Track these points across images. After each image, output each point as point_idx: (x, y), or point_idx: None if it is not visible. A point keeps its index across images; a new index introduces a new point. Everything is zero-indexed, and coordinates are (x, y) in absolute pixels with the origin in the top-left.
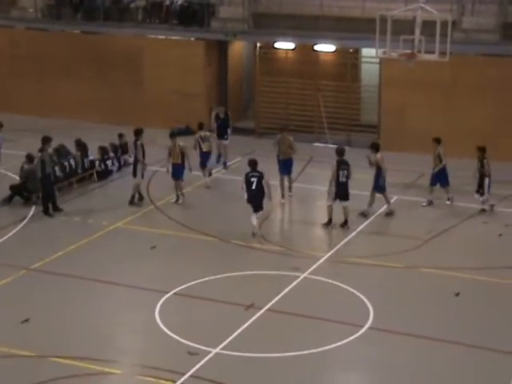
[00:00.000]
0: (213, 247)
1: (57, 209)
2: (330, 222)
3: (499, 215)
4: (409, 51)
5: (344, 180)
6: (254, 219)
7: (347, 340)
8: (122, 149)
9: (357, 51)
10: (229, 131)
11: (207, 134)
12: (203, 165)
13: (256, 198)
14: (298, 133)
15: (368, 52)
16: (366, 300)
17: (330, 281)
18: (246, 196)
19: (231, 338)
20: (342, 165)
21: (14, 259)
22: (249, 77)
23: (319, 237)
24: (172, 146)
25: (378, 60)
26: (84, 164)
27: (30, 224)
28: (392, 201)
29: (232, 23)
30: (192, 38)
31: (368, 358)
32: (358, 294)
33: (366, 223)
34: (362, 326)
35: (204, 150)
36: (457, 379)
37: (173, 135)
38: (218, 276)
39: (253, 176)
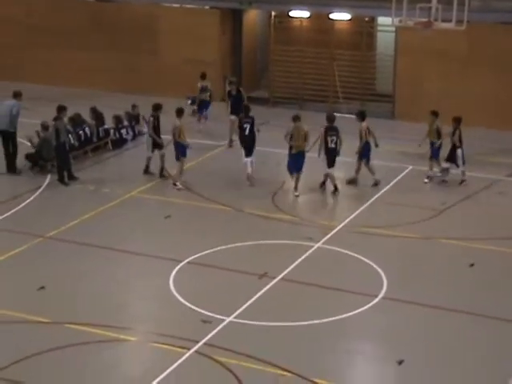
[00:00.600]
0: (227, 217)
1: (72, 177)
2: (335, 188)
3: None
4: (425, 19)
5: (333, 146)
6: (248, 164)
7: (361, 309)
8: (135, 119)
9: (372, 20)
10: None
11: (208, 84)
12: (201, 112)
13: (248, 143)
14: (312, 102)
15: (384, 20)
16: (379, 270)
17: (343, 251)
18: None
19: (244, 306)
20: (331, 131)
21: (30, 227)
22: (263, 46)
23: (333, 207)
24: (179, 125)
25: (393, 28)
26: (99, 133)
27: (46, 192)
28: (407, 171)
29: None
30: (207, 7)
31: (381, 327)
32: (372, 263)
33: (379, 193)
34: (376, 296)
35: (203, 98)
36: (469, 348)
37: (180, 112)
38: (232, 245)
39: (246, 122)
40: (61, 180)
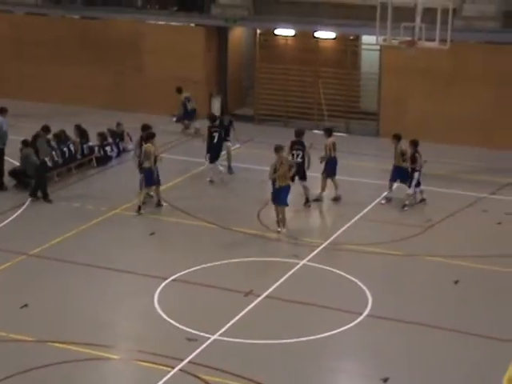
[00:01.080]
0: (212, 234)
1: (46, 199)
2: (307, 200)
3: (499, 203)
4: (409, 38)
5: (299, 160)
6: (218, 166)
7: (346, 327)
8: (119, 136)
9: (357, 38)
10: (231, 135)
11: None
12: (189, 120)
13: (215, 151)
14: (297, 120)
15: (368, 39)
16: (364, 287)
17: (329, 268)
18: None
19: (230, 324)
20: (296, 145)
21: (13, 244)
22: (249, 63)
23: (318, 224)
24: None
25: (378, 47)
26: (83, 150)
27: (29, 209)
28: (392, 189)
29: (232, 9)
30: (192, 24)
31: (366, 345)
32: (357, 281)
33: (364, 211)
34: (361, 314)
35: (189, 108)
36: (453, 365)
37: (150, 137)
38: (217, 263)
39: (215, 131)
40: (33, 194)
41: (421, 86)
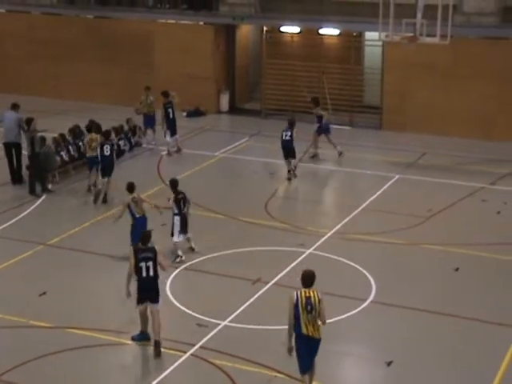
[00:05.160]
0: (221, 224)
1: (46, 189)
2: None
3: (498, 193)
4: (411, 34)
5: (288, 138)
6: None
7: (351, 313)
8: (131, 131)
9: (360, 35)
10: None
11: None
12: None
13: (174, 124)
14: (303, 114)
15: (371, 35)
16: (368, 275)
17: (334, 257)
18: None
19: (239, 311)
20: (286, 127)
21: (32, 235)
22: (256, 60)
23: (324, 214)
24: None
25: (380, 43)
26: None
27: (47, 201)
28: (394, 179)
29: (239, 8)
30: (201, 23)
31: (371, 330)
32: (361, 269)
33: (368, 201)
34: (365, 300)
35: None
36: (456, 351)
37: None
38: (226, 252)
39: (169, 107)
40: (31, 192)
41: (422, 80)
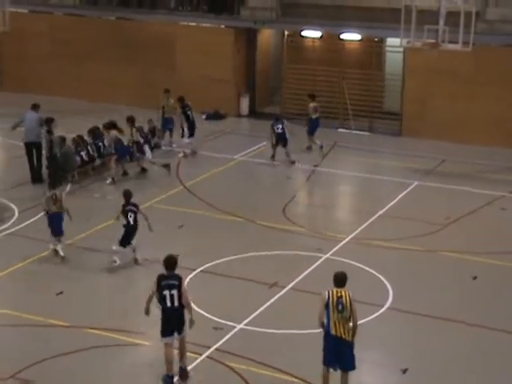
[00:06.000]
0: (239, 227)
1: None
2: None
3: None
4: (432, 41)
5: (280, 131)
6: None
7: (367, 319)
8: (151, 132)
9: (381, 40)
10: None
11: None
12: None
13: (193, 127)
14: (322, 119)
15: (392, 41)
16: (385, 281)
17: (351, 262)
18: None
19: (255, 314)
20: (277, 122)
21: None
22: (276, 64)
23: (342, 219)
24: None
25: (402, 49)
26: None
27: (66, 201)
28: (412, 186)
29: (261, 12)
30: (222, 26)
31: (387, 336)
32: (379, 275)
33: (386, 208)
34: (382, 306)
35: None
36: (472, 360)
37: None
38: (244, 255)
39: (189, 109)
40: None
41: (443, 87)
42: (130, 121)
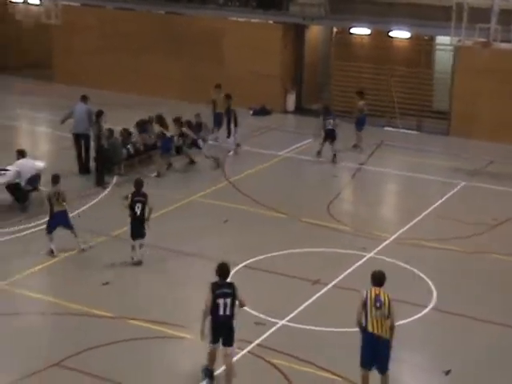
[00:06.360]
0: (283, 224)
1: (102, 182)
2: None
3: None
4: (484, 39)
5: (330, 127)
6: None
7: (410, 319)
8: (198, 127)
9: (431, 38)
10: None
11: None
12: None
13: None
14: (369, 117)
15: (442, 39)
16: (429, 282)
17: (395, 261)
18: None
19: (297, 311)
20: (328, 115)
21: (97, 225)
22: (324, 60)
23: (386, 218)
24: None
25: (452, 47)
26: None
27: (112, 193)
28: (459, 186)
29: (309, 8)
30: (270, 21)
31: (430, 337)
32: (423, 275)
33: (432, 207)
34: (425, 307)
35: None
36: None
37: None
38: (287, 251)
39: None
40: (99, 183)
41: (493, 86)
42: (177, 121)
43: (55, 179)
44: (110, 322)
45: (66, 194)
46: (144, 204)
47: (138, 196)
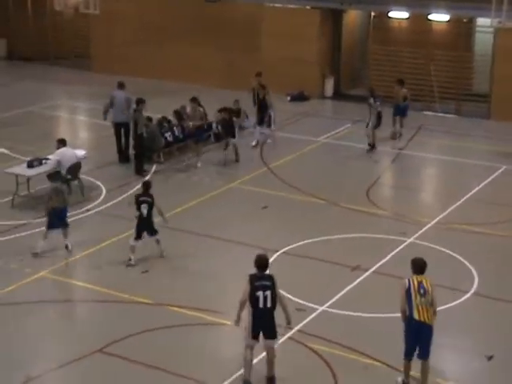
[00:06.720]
0: (322, 209)
1: (140, 172)
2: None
3: None
4: None
5: (380, 110)
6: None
7: (451, 304)
8: (236, 113)
9: (471, 20)
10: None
11: None
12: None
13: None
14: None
15: (482, 22)
16: (471, 267)
17: (436, 246)
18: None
19: (337, 296)
20: (374, 96)
21: (134, 213)
22: (362, 45)
23: (426, 203)
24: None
25: (492, 30)
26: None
27: (151, 181)
28: (501, 170)
29: None
30: (308, 7)
31: (472, 323)
32: (464, 260)
33: (473, 191)
34: (467, 292)
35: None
36: None
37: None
38: (326, 237)
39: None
40: (138, 171)
41: None
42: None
43: (50, 177)
44: (151, 309)
45: (65, 191)
46: (151, 205)
47: (144, 196)
